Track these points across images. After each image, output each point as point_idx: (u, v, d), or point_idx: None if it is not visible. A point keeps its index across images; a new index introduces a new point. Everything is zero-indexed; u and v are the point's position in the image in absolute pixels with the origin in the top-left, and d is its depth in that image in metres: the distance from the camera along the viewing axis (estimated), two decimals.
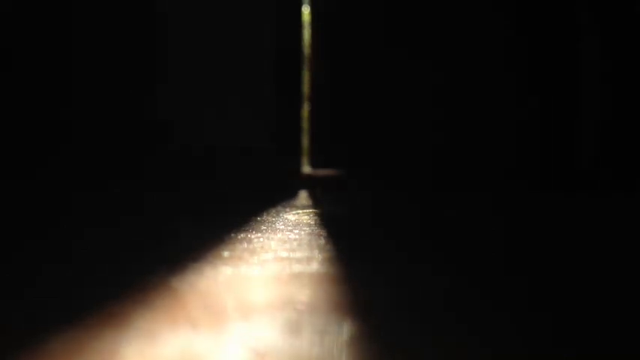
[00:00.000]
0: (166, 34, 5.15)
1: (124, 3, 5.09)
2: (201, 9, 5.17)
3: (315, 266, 1.98)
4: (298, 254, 2.19)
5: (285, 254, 2.18)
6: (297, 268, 1.95)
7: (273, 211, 3.59)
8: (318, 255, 2.18)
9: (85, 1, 5.07)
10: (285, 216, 3.33)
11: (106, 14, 5.09)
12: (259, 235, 2.64)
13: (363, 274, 1.88)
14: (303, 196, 4.62)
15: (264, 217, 3.29)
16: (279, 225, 2.96)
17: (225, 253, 2.18)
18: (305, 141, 5.40)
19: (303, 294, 1.61)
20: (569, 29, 5.01)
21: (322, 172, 5.40)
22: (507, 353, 1.18)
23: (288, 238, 2.54)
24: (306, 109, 5.42)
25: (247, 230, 2.77)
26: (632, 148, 4.96)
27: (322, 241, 2.50)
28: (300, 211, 3.56)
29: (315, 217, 3.28)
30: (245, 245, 2.37)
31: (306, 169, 5.42)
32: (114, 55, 5.10)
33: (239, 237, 2.57)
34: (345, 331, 1.30)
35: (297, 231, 2.76)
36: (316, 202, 4.15)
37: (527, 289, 1.70)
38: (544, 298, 1.60)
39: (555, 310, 1.48)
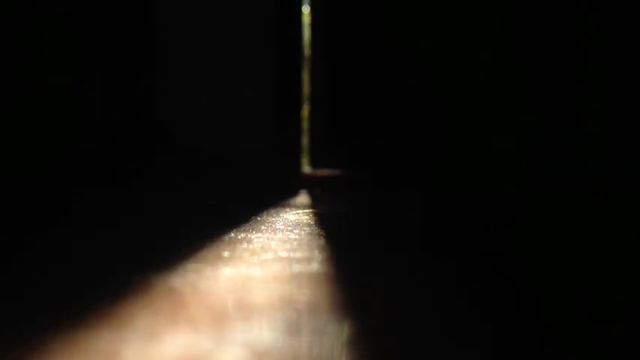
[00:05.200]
0: (165, 35, 5.15)
1: (123, 4, 5.09)
2: (200, 9, 5.17)
3: (315, 266, 1.98)
4: (298, 254, 2.19)
5: (285, 254, 2.18)
6: (297, 268, 1.95)
7: (274, 211, 3.59)
8: (318, 255, 2.18)
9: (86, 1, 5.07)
10: (285, 216, 3.33)
11: (106, 15, 5.09)
12: (259, 235, 2.64)
13: (363, 275, 1.88)
14: (303, 196, 4.62)
15: (264, 217, 3.29)
16: (279, 225, 2.96)
17: (225, 253, 2.18)
18: (305, 141, 5.40)
19: (303, 294, 1.61)
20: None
21: (322, 172, 5.40)
22: None
23: (288, 238, 2.54)
24: (306, 109, 5.42)
25: (247, 230, 2.77)
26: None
27: (322, 241, 2.50)
28: (300, 211, 3.56)
29: (315, 217, 3.28)
30: (245, 245, 2.37)
31: (306, 169, 5.42)
32: (114, 55, 5.10)
33: (239, 237, 2.57)
34: (344, 331, 1.30)
35: (297, 231, 2.76)
36: (316, 202, 4.15)
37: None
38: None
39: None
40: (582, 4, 4.99)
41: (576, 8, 5.00)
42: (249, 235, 2.61)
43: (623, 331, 1.33)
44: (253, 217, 3.25)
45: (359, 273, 1.90)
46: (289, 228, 2.86)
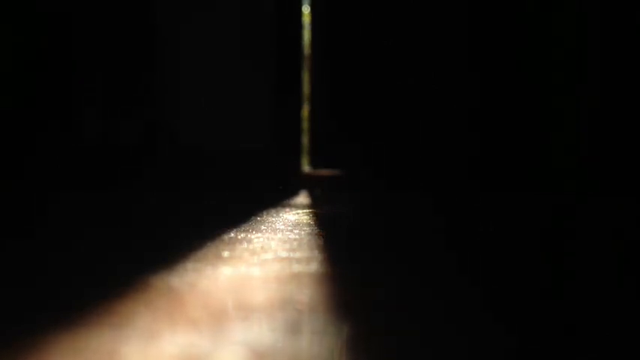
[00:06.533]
0: (165, 35, 5.15)
1: (123, 4, 5.09)
2: (200, 9, 5.16)
3: (315, 266, 1.98)
4: (298, 254, 2.19)
5: (285, 254, 2.18)
6: (297, 268, 1.95)
7: (273, 211, 3.59)
8: (318, 255, 2.18)
9: (84, 3, 5.07)
10: (285, 216, 3.33)
11: (106, 15, 5.09)
12: (259, 235, 2.64)
13: (363, 275, 1.88)
14: (303, 196, 4.62)
15: (264, 217, 3.29)
16: (279, 225, 2.96)
17: (225, 253, 2.18)
18: (305, 141, 5.40)
19: (303, 294, 1.61)
20: None
21: (322, 172, 5.40)
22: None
23: (288, 238, 2.54)
24: (306, 109, 5.42)
25: (247, 230, 2.77)
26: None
27: (322, 241, 2.50)
28: (300, 211, 3.56)
29: (315, 217, 3.28)
30: (245, 245, 2.37)
31: (306, 169, 5.42)
32: (114, 55, 5.10)
33: (239, 237, 2.57)
34: (344, 331, 1.30)
35: (297, 231, 2.76)
36: (316, 202, 4.15)
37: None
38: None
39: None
40: (583, 3, 4.99)
41: (576, 8, 5.00)
42: (249, 235, 2.61)
43: (626, 332, 1.33)
44: (253, 217, 3.25)
45: (359, 273, 1.90)
46: (289, 228, 2.86)
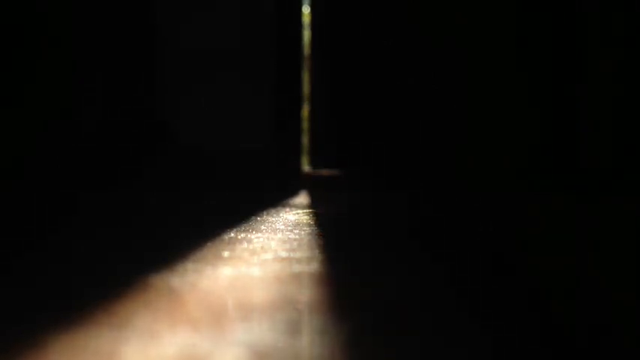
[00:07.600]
0: (165, 35, 5.15)
1: (123, 4, 5.09)
2: (200, 9, 5.16)
3: (315, 266, 1.98)
4: (298, 254, 2.19)
5: (285, 254, 2.18)
6: (297, 268, 1.95)
7: (273, 211, 3.59)
8: (318, 255, 2.18)
9: (85, 2, 5.07)
10: (285, 216, 3.33)
11: (106, 15, 5.09)
12: (259, 235, 2.64)
13: (363, 274, 1.88)
14: (303, 196, 4.62)
15: (264, 217, 3.29)
16: (279, 225, 2.96)
17: (225, 253, 2.18)
18: (305, 141, 5.40)
19: (303, 294, 1.61)
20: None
21: (322, 172, 5.40)
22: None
23: (288, 238, 2.54)
24: (306, 109, 5.42)
25: (247, 230, 2.77)
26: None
27: (322, 241, 2.50)
28: (300, 211, 3.56)
29: (315, 217, 3.28)
30: (245, 245, 2.37)
31: (306, 169, 5.42)
32: (114, 55, 5.10)
33: (239, 237, 2.57)
34: (344, 330, 1.30)
35: (297, 231, 2.76)
36: (316, 202, 4.15)
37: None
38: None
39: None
40: (583, 3, 4.99)
41: (577, 8, 5.00)
42: (249, 235, 2.61)
43: (628, 335, 1.33)
44: (253, 217, 3.25)
45: (358, 273, 1.90)
46: (289, 228, 2.86)
